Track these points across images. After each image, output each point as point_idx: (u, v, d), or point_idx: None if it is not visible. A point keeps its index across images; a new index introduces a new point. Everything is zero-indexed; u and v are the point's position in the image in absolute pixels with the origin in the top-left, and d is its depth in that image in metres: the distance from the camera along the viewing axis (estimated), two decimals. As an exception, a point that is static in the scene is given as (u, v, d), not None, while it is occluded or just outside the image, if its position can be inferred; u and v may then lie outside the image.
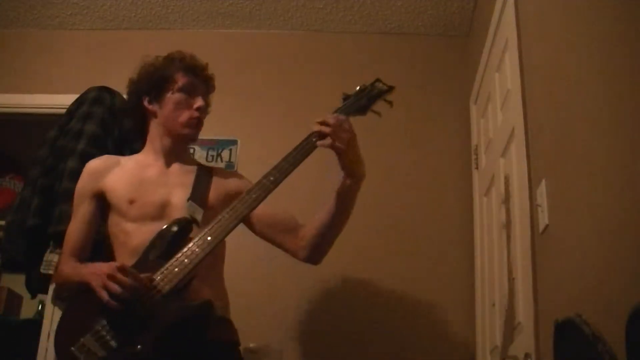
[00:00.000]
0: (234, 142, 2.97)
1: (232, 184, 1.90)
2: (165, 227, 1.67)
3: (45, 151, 2.55)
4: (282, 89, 3.09)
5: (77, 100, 2.66)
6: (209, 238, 1.55)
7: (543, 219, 1.59)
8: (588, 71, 1.35)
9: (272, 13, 3.11)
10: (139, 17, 3.20)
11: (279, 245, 1.87)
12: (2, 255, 2.50)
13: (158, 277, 1.53)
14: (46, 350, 2.41)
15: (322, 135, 1.64)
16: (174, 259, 1.55)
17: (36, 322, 2.75)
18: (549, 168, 1.61)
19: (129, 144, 2.59)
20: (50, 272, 2.34)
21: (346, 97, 1.83)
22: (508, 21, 2.12)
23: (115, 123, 2.61)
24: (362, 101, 1.81)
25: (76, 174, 2.36)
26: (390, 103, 1.85)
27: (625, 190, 1.10)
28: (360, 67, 3.09)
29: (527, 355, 1.62)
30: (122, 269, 1.51)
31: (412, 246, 2.72)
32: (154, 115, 1.88)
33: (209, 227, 1.58)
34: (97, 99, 2.61)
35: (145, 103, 1.88)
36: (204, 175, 1.88)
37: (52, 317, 2.46)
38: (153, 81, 1.87)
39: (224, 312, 1.77)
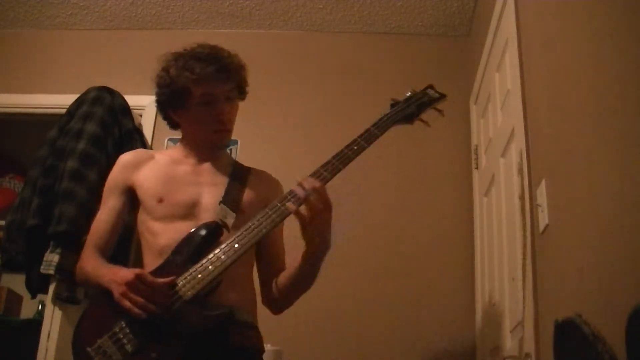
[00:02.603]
0: (234, 142, 2.96)
1: (267, 189, 1.80)
2: (193, 230, 1.60)
3: (45, 151, 2.55)
4: (282, 89, 3.09)
5: (77, 100, 2.66)
6: (236, 245, 1.49)
7: (543, 219, 1.59)
8: (588, 71, 1.35)
9: (272, 13, 3.11)
10: (139, 17, 3.20)
11: (258, 271, 1.80)
12: (2, 255, 2.50)
13: (181, 282, 1.49)
14: (46, 350, 2.40)
15: (298, 198, 1.49)
16: (198, 264, 1.50)
17: (36, 322, 2.75)
18: (549, 168, 1.61)
19: (129, 144, 2.60)
20: (51, 272, 2.34)
21: (394, 103, 1.70)
22: (508, 21, 2.12)
23: (115, 123, 2.62)
24: (411, 108, 1.71)
25: (76, 174, 2.38)
26: (441, 112, 1.72)
27: (625, 190, 1.10)
28: (360, 67, 3.09)
29: (527, 355, 1.62)
30: (142, 278, 1.47)
31: (411, 246, 2.72)
32: (181, 124, 1.82)
33: (238, 233, 1.51)
34: (97, 99, 2.61)
35: (171, 113, 1.80)
36: (239, 175, 1.79)
37: (52, 317, 2.46)
38: (171, 95, 1.76)
39: (251, 318, 1.69)
